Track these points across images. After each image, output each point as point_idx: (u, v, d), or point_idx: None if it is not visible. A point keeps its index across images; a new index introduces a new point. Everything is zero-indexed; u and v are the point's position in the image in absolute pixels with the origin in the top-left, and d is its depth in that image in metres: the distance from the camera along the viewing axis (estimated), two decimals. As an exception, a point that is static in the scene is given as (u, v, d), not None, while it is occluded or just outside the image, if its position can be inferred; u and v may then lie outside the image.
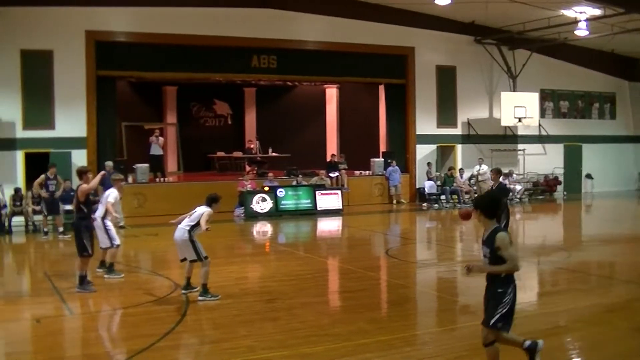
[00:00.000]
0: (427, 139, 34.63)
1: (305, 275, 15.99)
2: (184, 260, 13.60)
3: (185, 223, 13.38)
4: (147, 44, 29.31)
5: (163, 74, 31.85)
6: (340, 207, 29.29)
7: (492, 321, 8.11)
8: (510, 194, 33.22)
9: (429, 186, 32.54)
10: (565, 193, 38.14)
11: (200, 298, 13.04)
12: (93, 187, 14.59)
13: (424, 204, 32.10)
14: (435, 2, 29.50)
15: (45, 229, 23.31)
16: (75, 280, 14.32)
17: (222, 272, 15.51)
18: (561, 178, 37.85)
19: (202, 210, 13.39)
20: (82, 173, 14.80)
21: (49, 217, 23.61)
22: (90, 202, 14.85)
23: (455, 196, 32.90)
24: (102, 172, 15.31)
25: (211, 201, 13.57)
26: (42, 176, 23.19)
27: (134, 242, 22.47)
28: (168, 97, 37.63)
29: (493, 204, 8.60)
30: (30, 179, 26.05)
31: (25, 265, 19.74)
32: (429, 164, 33.53)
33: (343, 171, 32.47)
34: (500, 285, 8.26)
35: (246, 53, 31.21)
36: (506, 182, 32.92)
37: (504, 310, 8.14)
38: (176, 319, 11.78)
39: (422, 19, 33.63)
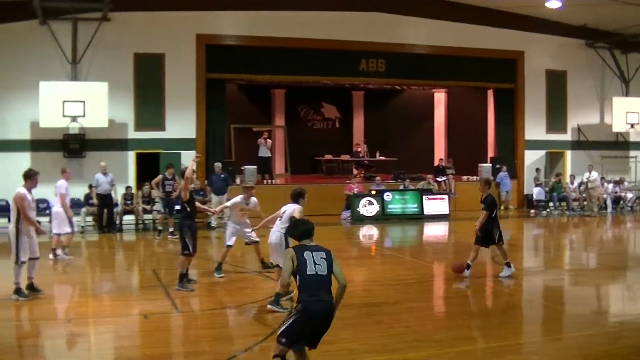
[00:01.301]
0: (535, 145, 34.09)
1: (410, 279, 15.93)
2: (275, 266, 13.49)
3: (279, 226, 13.27)
4: (256, 47, 29.67)
5: (272, 77, 32.10)
6: (447, 212, 29.07)
7: None
8: (621, 202, 32.51)
9: (537, 193, 31.97)
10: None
11: (268, 307, 12.57)
12: (185, 186, 14.71)
13: (532, 211, 31.60)
14: (546, 5, 29.02)
15: (160, 228, 23.70)
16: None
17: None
18: (676, 186, 36.71)
19: (292, 208, 13.23)
20: (183, 173, 15.18)
21: (166, 216, 23.94)
22: (193, 201, 15.03)
23: (564, 203, 32.25)
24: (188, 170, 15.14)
25: (298, 196, 13.47)
26: (160, 176, 23.52)
27: (240, 243, 22.68)
28: (276, 99, 37.92)
29: None
30: (141, 178, 26.65)
31: (135, 262, 20.16)
32: (537, 170, 32.95)
33: (450, 176, 32.25)
34: None
35: (355, 56, 31.28)
36: (617, 189, 32.24)
37: None
38: (281, 320, 11.85)
39: (532, 22, 33.05)
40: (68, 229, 18.98)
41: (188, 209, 14.75)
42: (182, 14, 28.32)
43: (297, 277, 8.18)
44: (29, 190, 13.91)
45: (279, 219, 13.34)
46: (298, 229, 8.65)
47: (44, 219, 25.74)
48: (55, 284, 15.49)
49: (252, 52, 29.81)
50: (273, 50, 29.83)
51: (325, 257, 8.26)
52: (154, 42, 27.94)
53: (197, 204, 15.68)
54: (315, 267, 8.14)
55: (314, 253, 8.25)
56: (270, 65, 30.33)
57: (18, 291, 13.48)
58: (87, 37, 26.74)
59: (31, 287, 14.01)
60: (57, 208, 19.15)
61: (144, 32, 27.82)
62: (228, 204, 16.14)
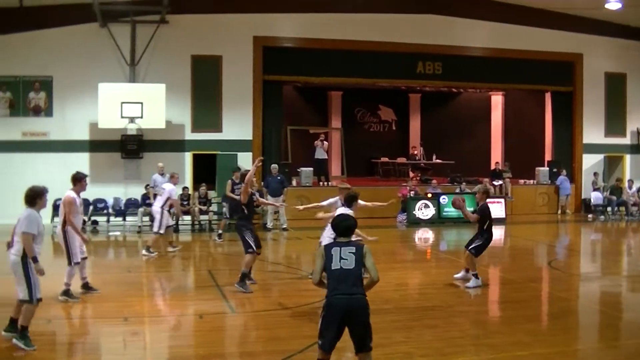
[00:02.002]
0: (594, 149, 33.64)
1: (465, 283, 15.84)
2: None
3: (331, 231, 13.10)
4: (313, 49, 29.77)
5: (329, 79, 32.14)
6: (504, 216, 28.80)
7: None
8: None
9: (595, 197, 31.56)
10: None
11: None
12: (245, 189, 14.76)
13: (590, 215, 31.19)
14: (606, 6, 28.65)
15: (220, 231, 23.59)
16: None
17: (383, 278, 15.21)
18: None
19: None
20: (243, 176, 15.25)
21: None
22: (252, 204, 15.08)
23: (622, 208, 31.77)
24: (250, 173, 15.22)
25: (351, 200, 13.45)
26: (229, 182, 23.40)
27: (296, 244, 22.81)
28: (333, 102, 37.95)
29: None
30: (197, 179, 26.86)
31: (191, 262, 20.32)
32: (595, 174, 32.52)
33: (507, 179, 31.99)
34: None
35: (411, 59, 31.21)
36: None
37: None
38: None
39: (591, 24, 32.58)
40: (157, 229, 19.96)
41: (246, 211, 14.81)
42: (239, 16, 28.50)
43: (326, 273, 8.28)
44: (78, 193, 13.91)
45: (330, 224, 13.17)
46: (338, 225, 8.61)
47: (101, 219, 26.23)
48: (112, 283, 15.68)
49: (309, 54, 29.92)
50: (329, 52, 29.90)
51: (354, 251, 8.24)
52: (211, 44, 28.17)
53: (262, 200, 15.62)
54: (340, 261, 8.17)
55: (342, 248, 8.28)
56: (327, 67, 30.41)
57: (67, 292, 13.60)
58: (145, 40, 27.09)
59: (86, 286, 14.19)
60: (156, 207, 20.08)
61: (202, 34, 28.08)
62: (324, 203, 15.93)
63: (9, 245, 10.73)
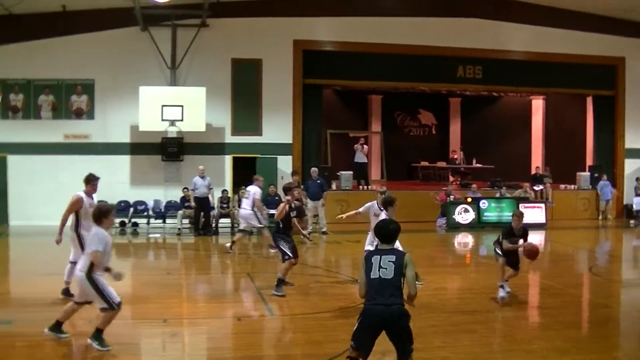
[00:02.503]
0: (636, 153, 33.16)
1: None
2: None
3: (371, 237, 12.97)
4: (352, 53, 29.70)
5: (368, 83, 32.17)
6: (544, 221, 28.57)
7: None
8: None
9: (637, 202, 31.10)
10: None
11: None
12: (281, 212, 14.62)
13: (632, 221, 30.80)
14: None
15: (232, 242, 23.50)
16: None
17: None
18: None
19: (381, 218, 12.83)
20: (287, 190, 15.23)
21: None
22: (289, 219, 14.85)
23: (665, 214, 31.40)
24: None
25: (388, 204, 13.38)
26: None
27: (335, 248, 22.82)
28: (373, 105, 37.95)
29: None
30: (237, 182, 26.94)
31: (230, 265, 20.39)
32: (637, 179, 32.08)
33: (548, 184, 31.74)
34: None
35: (451, 63, 31.06)
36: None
37: None
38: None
39: (633, 27, 32.21)
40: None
41: (281, 225, 14.78)
42: (279, 20, 28.56)
43: (365, 281, 8.23)
44: (89, 194, 13.89)
45: (371, 232, 13.02)
46: (380, 231, 8.56)
47: (142, 221, 26.45)
48: (152, 284, 15.79)
49: (349, 58, 29.87)
50: (369, 55, 29.82)
51: (394, 260, 8.15)
52: (252, 48, 28.22)
53: (295, 222, 15.45)
54: (379, 270, 8.09)
55: (382, 257, 8.19)
56: (367, 70, 30.34)
57: (67, 292, 13.81)
58: (185, 43, 27.25)
59: (67, 292, 13.99)
60: (244, 211, 20.69)
61: (242, 37, 28.16)
62: (360, 209, 15.89)
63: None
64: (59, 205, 14.51)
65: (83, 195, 13.77)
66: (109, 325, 10.66)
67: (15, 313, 12.77)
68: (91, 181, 13.99)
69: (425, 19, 30.03)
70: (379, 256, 8.20)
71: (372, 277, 8.10)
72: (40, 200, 25.69)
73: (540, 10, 31.06)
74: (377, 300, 7.99)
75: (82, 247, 13.17)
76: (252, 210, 20.34)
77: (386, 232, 8.49)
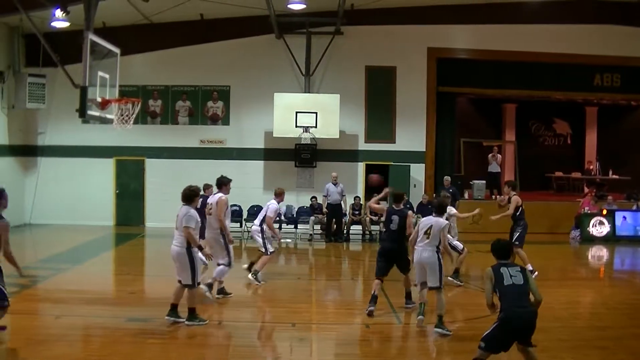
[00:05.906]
0: None
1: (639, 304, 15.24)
2: (423, 287, 12.75)
3: (428, 242, 12.46)
4: (487, 61, 29.24)
5: (503, 91, 31.64)
6: (684, 234, 27.58)
7: None
8: None
9: None
10: None
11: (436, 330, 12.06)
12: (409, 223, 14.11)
13: None
14: None
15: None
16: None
17: (553, 294, 15.03)
18: None
19: (441, 224, 12.57)
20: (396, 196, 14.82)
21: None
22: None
23: None
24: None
25: (441, 208, 13.13)
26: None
27: (467, 258, 22.52)
28: (507, 114, 37.38)
29: None
30: (369, 190, 26.95)
31: (360, 272, 20.40)
32: None
33: (688, 198, 30.60)
34: None
35: (588, 71, 30.22)
36: None
37: None
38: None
39: None
40: None
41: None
42: (413, 27, 28.41)
43: (497, 291, 8.91)
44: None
45: (424, 234, 12.60)
46: (497, 250, 9.38)
47: (274, 226, 26.71)
48: (283, 289, 15.97)
49: (483, 66, 29.45)
50: (504, 63, 29.32)
51: (520, 270, 9.08)
52: (386, 55, 28.20)
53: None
54: (512, 278, 8.91)
55: (509, 268, 9.08)
56: (501, 79, 29.88)
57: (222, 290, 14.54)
58: (320, 50, 27.45)
59: (210, 286, 14.54)
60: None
61: (376, 45, 28.18)
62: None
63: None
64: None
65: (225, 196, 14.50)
66: (195, 302, 11.99)
67: (151, 311, 13.06)
68: (225, 184, 14.58)
69: (561, 26, 29.00)
70: (506, 268, 9.09)
71: (506, 284, 8.87)
72: (175, 203, 26.20)
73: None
74: (517, 305, 8.74)
75: (226, 247, 13.74)
76: (260, 226, 17.32)
77: (504, 251, 9.41)
